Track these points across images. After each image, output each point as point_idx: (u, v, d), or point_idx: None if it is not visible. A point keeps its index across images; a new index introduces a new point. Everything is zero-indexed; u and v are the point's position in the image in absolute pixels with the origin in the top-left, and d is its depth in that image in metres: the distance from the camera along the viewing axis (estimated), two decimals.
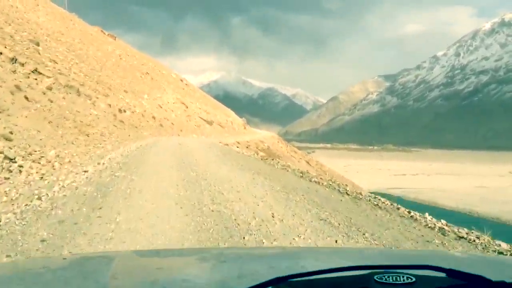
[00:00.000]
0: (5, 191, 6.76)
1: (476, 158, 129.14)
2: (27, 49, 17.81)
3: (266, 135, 41.50)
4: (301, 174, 12.34)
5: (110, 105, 19.57)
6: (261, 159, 15.44)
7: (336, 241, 5.27)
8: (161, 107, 32.46)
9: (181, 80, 58.90)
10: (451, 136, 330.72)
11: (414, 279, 0.96)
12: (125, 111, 21.09)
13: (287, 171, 13.12)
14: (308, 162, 26.57)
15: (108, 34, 53.73)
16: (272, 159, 13.26)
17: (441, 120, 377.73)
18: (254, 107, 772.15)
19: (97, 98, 18.71)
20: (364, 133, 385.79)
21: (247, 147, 21.69)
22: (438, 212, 36.17)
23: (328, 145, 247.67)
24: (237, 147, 20.37)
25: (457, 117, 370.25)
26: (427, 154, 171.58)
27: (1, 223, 5.25)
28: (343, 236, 5.52)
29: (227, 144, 20.09)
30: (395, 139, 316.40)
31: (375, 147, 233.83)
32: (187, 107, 40.03)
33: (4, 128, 9.96)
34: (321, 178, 11.57)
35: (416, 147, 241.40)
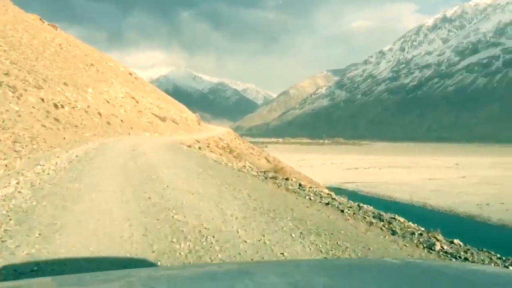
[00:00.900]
0: None
1: (423, 151, 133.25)
2: None
3: (222, 131, 39.82)
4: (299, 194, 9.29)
5: (43, 99, 16.85)
6: (258, 175, 12.22)
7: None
8: (108, 102, 29.96)
9: (130, 74, 55.83)
10: (398, 129, 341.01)
11: None
12: (63, 107, 18.54)
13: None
14: (267, 160, 25.28)
15: (48, 24, 49.88)
16: (276, 178, 11.54)
17: (388, 113, 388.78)
18: (205, 102, 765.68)
19: (25, 90, 15.96)
20: (314, 127, 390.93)
21: (207, 146, 20.02)
22: (395, 206, 35.91)
23: (280, 140, 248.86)
24: (198, 146, 18.67)
25: (403, 110, 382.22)
26: (377, 147, 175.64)
27: None
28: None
29: (189, 146, 18.29)
30: (344, 132, 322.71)
31: (326, 141, 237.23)
32: (137, 102, 37.53)
33: None
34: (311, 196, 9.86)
35: (365, 140, 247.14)
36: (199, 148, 17.49)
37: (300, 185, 10.03)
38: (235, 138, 34.44)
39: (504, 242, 22.96)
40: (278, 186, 9.37)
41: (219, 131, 41.00)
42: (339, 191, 32.55)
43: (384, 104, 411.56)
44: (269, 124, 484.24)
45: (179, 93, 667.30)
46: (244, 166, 13.42)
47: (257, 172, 12.17)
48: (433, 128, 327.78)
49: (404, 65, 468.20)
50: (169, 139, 23.93)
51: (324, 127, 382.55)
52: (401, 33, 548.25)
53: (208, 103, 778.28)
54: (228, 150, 20.32)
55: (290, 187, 9.40)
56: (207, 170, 11.06)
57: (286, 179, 10.75)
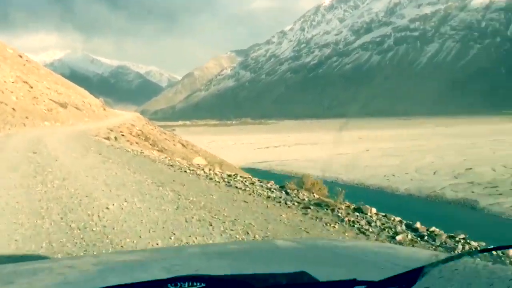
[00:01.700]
0: None
1: (327, 127, 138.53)
2: None
3: (131, 116, 37.27)
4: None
5: None
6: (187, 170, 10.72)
7: None
8: None
9: (20, 56, 50.29)
10: (301, 107, 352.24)
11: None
12: None
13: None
14: (183, 144, 23.88)
15: None
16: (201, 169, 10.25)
17: (291, 92, 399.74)
18: (106, 87, 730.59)
19: None
20: (221, 108, 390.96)
21: (122, 135, 18.09)
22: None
23: (188, 122, 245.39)
24: (114, 136, 16.67)
25: (305, 89, 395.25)
26: (283, 125, 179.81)
27: None
28: None
29: (108, 138, 16.02)
30: (251, 113, 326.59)
31: (234, 121, 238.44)
32: (31, 87, 33.59)
33: None
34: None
35: (271, 119, 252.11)
36: (115, 138, 15.56)
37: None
38: (147, 124, 32.39)
39: (411, 210, 24.01)
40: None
41: (128, 116, 38.41)
42: (252, 171, 32.02)
43: (288, 83, 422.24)
44: (175, 107, 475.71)
45: (76, 78, 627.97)
46: (210, 170, 11.86)
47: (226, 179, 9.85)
48: (333, 105, 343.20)
49: (304, 45, 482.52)
50: (77, 129, 21.23)
51: (231, 108, 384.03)
52: (301, 13, 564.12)
53: (109, 87, 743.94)
54: (143, 138, 18.68)
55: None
56: (168, 185, 8.25)
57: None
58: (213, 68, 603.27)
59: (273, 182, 9.59)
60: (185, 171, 10.46)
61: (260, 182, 9.42)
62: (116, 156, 12.15)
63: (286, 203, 7.23)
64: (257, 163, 51.15)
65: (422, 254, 1.48)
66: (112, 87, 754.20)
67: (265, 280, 0.94)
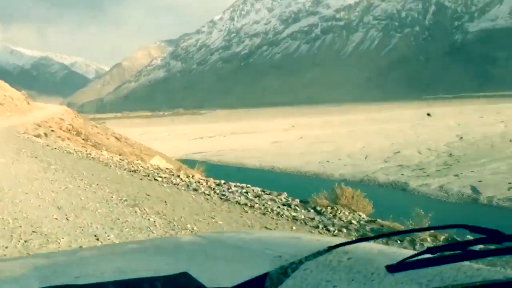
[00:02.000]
0: None
1: (260, 116, 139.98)
2: None
3: (58, 110, 35.32)
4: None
5: None
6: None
7: None
8: None
9: None
10: (234, 96, 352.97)
11: None
12: None
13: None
14: (117, 139, 23.09)
15: None
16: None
17: (224, 81, 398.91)
18: (27, 79, 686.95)
19: None
20: (152, 99, 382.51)
21: (52, 130, 17.06)
22: (247, 173, 36.61)
23: (118, 115, 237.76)
24: (44, 132, 15.72)
25: (237, 78, 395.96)
26: (217, 115, 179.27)
27: None
28: None
29: (38, 136, 14.81)
30: (183, 103, 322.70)
31: (166, 112, 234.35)
32: None
33: None
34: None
35: (205, 109, 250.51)
36: (45, 134, 14.64)
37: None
38: (76, 117, 30.94)
39: None
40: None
41: (54, 109, 36.36)
42: (188, 162, 31.73)
43: (219, 73, 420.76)
44: (104, 99, 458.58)
45: None
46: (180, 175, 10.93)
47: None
48: (265, 94, 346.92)
49: (235, 34, 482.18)
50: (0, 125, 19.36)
51: (162, 99, 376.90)
52: (230, 2, 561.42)
53: (31, 79, 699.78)
54: (75, 133, 17.82)
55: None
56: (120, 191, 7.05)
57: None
58: (142, 58, 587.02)
59: (285, 194, 7.50)
60: (155, 179, 8.42)
61: (268, 193, 7.42)
62: (57, 159, 10.21)
63: (328, 229, 5.51)
64: (193, 154, 50.67)
65: (324, 241, 1.40)
66: (35, 80, 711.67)
67: (138, 285, 0.89)
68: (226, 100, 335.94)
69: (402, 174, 27.51)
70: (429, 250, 0.86)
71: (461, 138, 42.33)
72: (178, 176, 8.94)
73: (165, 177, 8.63)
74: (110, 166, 9.79)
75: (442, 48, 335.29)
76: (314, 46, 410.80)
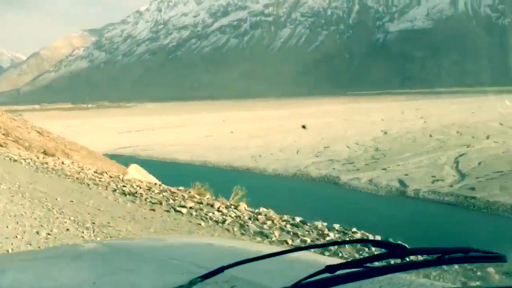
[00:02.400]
0: None
1: (189, 109, 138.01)
2: None
3: None
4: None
5: None
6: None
7: None
8: None
9: None
10: (162, 89, 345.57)
11: None
12: None
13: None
14: (39, 133, 21.42)
15: None
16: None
17: (151, 74, 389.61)
18: None
19: None
20: (74, 91, 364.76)
21: None
22: (179, 167, 35.77)
23: (37, 106, 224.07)
24: None
25: (165, 71, 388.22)
26: (145, 108, 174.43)
27: None
28: None
29: None
30: (108, 96, 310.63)
31: (90, 105, 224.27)
32: None
33: None
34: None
35: (131, 102, 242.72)
36: None
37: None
38: None
39: (277, 189, 25.18)
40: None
41: None
42: (116, 157, 30.37)
43: (147, 65, 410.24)
44: (20, 90, 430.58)
45: None
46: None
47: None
48: (194, 87, 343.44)
49: (162, 26, 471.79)
50: None
51: (85, 91, 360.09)
52: None
53: None
54: None
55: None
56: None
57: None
58: (63, 47, 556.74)
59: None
60: (176, 210, 6.33)
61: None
62: (3, 173, 7.27)
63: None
64: (120, 148, 48.80)
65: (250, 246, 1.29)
66: None
67: None
68: (154, 93, 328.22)
69: (333, 168, 28.10)
70: (327, 269, 0.81)
71: (386, 133, 44.23)
72: (212, 206, 6.86)
73: (191, 208, 6.49)
74: (88, 184, 7.32)
75: (365, 46, 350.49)
76: (243, 41, 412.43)
